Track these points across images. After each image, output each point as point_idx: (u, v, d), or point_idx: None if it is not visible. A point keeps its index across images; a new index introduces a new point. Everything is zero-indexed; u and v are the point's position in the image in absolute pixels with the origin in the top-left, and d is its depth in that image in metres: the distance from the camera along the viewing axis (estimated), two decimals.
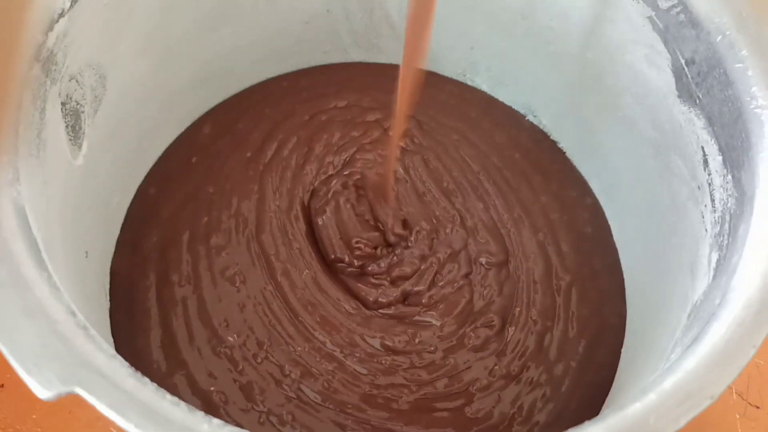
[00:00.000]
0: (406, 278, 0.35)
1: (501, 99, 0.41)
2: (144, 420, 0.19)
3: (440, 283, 0.35)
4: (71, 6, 0.27)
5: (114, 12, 0.29)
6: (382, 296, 0.35)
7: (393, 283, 0.35)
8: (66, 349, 0.20)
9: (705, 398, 0.20)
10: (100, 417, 0.35)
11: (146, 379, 0.20)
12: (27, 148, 0.24)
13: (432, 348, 0.34)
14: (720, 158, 0.28)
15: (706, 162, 0.29)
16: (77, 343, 0.20)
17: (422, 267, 0.35)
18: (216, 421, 0.19)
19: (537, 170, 0.39)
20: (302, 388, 0.32)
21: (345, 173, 0.38)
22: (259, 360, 0.32)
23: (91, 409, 0.34)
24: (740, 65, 0.27)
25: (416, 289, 0.35)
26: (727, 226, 0.26)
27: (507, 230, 0.37)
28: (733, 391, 0.39)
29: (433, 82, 0.41)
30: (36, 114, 0.25)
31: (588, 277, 0.36)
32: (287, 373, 0.32)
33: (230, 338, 0.33)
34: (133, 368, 0.20)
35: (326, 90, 0.41)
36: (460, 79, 0.42)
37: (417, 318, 0.34)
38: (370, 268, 0.35)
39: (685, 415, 0.20)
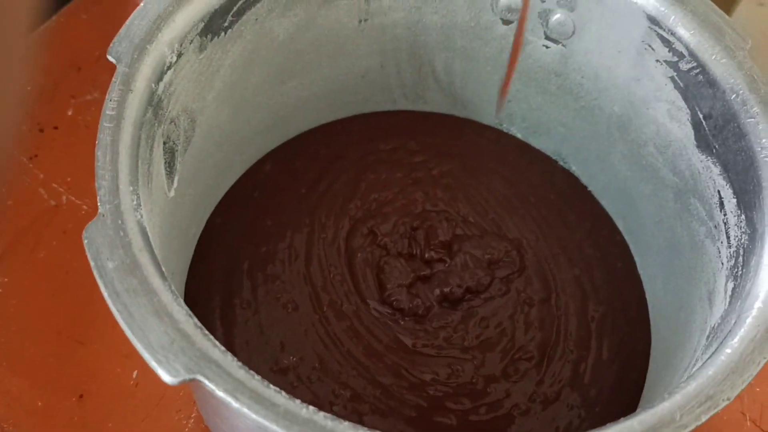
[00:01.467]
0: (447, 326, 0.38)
1: (534, 145, 0.45)
2: (254, 403, 0.23)
3: (483, 325, 0.38)
4: (176, 60, 0.32)
5: (206, 66, 0.34)
6: (423, 339, 0.38)
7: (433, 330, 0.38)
8: (188, 344, 0.24)
9: (723, 400, 0.24)
10: (169, 425, 0.39)
11: (253, 372, 0.24)
12: (143, 179, 0.29)
13: (474, 380, 0.37)
14: (734, 201, 0.32)
15: (722, 204, 0.33)
16: (197, 340, 0.24)
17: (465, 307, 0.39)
18: (311, 408, 0.23)
19: (571, 210, 0.43)
20: (355, 407, 0.35)
21: (384, 211, 0.42)
22: (312, 380, 0.36)
23: (160, 417, 0.38)
24: (752, 120, 0.31)
25: (457, 331, 0.38)
26: (741, 259, 0.30)
27: (549, 266, 0.41)
28: (747, 418, 0.42)
29: (472, 129, 0.46)
30: (148, 151, 0.30)
31: (619, 309, 0.40)
32: (338, 393, 0.36)
33: (285, 360, 0.37)
34: (242, 362, 0.24)
35: (375, 133, 0.45)
36: (497, 127, 0.46)
37: (458, 355, 0.37)
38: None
39: (706, 413, 0.23)
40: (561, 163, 0.44)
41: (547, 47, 0.39)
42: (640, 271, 0.41)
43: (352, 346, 0.37)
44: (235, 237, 0.40)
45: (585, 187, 0.44)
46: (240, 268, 0.39)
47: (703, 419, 0.23)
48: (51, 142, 0.48)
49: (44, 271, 0.43)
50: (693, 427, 0.23)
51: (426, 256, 0.40)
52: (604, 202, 0.43)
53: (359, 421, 0.35)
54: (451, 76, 0.43)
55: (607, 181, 0.42)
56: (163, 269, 0.26)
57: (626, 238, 0.42)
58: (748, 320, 0.26)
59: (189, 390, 0.39)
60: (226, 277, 0.38)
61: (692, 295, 0.34)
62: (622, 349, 0.38)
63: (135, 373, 0.40)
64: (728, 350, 0.25)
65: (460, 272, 0.39)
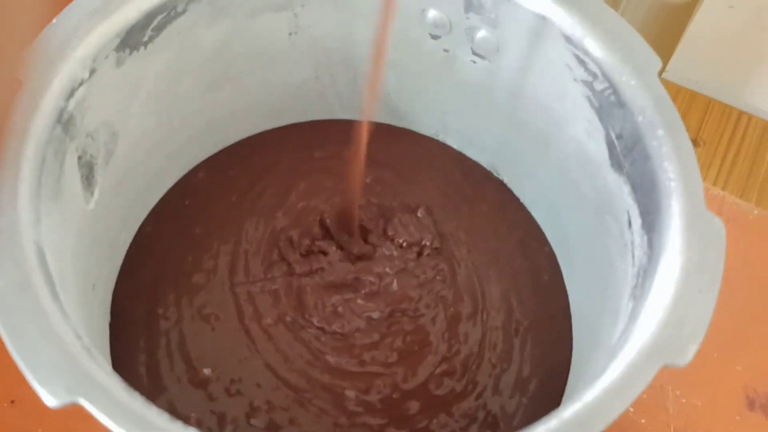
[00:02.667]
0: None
1: (470, 156, 0.46)
2: (134, 426, 0.23)
3: (409, 341, 0.39)
4: (89, 77, 0.32)
5: (126, 80, 0.34)
6: (346, 354, 0.38)
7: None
8: (72, 366, 0.24)
9: (599, 424, 0.24)
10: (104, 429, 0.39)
11: (137, 393, 0.24)
12: (47, 193, 0.29)
13: (394, 395, 0.37)
14: (639, 221, 0.32)
15: (630, 223, 0.33)
16: (81, 362, 0.24)
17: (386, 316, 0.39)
18: (192, 429, 0.24)
19: (502, 221, 0.44)
20: (273, 419, 0.36)
21: (309, 220, 0.42)
22: (231, 393, 0.36)
23: (93, 425, 0.39)
24: (656, 142, 0.31)
25: (380, 348, 0.38)
26: (640, 279, 0.31)
27: (479, 278, 0.41)
28: (672, 429, 0.43)
29: (410, 138, 0.46)
30: (57, 165, 0.30)
31: (543, 322, 0.40)
32: (256, 406, 0.36)
33: (204, 372, 0.37)
34: (127, 384, 0.24)
35: (311, 141, 0.45)
36: (434, 137, 0.46)
37: (380, 371, 0.38)
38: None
39: None
40: (495, 174, 0.45)
41: (474, 62, 0.40)
42: (567, 284, 0.42)
43: (272, 360, 0.37)
44: (163, 246, 0.40)
45: (517, 199, 0.44)
46: (166, 277, 0.39)
47: None
48: None
49: None
50: None
51: (353, 268, 0.40)
52: (535, 214, 0.44)
53: None
54: (386, 88, 0.44)
55: (536, 194, 0.43)
56: (62, 284, 0.27)
57: (555, 250, 0.43)
58: (631, 345, 0.26)
59: None
60: (152, 287, 0.39)
61: (604, 311, 0.35)
62: (543, 363, 0.39)
63: None
64: (609, 375, 0.26)
65: (388, 289, 0.40)
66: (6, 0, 0.18)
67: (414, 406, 0.37)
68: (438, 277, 0.41)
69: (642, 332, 0.27)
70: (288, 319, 0.38)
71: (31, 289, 0.25)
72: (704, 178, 0.90)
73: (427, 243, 0.41)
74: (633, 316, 0.29)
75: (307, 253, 0.40)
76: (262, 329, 0.38)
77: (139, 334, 0.37)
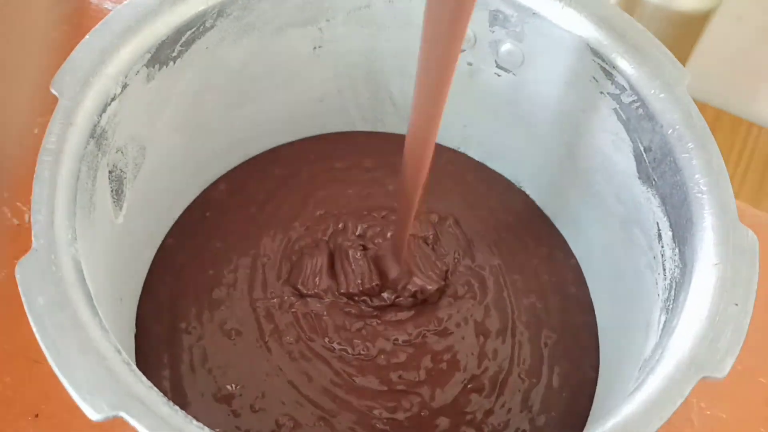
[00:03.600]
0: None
1: (492, 168, 0.46)
2: None
3: (437, 359, 0.38)
4: (122, 91, 0.32)
5: (155, 95, 0.34)
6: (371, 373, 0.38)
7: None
8: (113, 380, 0.24)
9: None
10: None
11: (177, 408, 0.24)
12: (82, 211, 0.29)
13: (423, 413, 0.37)
14: (670, 233, 0.32)
15: (660, 236, 0.33)
16: (122, 377, 0.24)
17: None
18: None
19: (528, 233, 0.43)
20: None
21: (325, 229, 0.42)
22: (255, 409, 0.36)
23: None
24: (686, 155, 0.32)
25: (407, 368, 0.38)
26: (673, 292, 0.31)
27: (508, 293, 0.41)
28: None
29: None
30: (90, 182, 0.30)
31: (570, 335, 0.40)
32: (281, 423, 0.36)
33: (228, 388, 0.37)
34: (167, 398, 0.24)
35: (331, 152, 0.45)
36: (456, 149, 0.46)
37: (407, 389, 0.37)
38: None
39: None
40: (518, 186, 0.45)
41: (498, 75, 0.40)
42: (592, 296, 0.42)
43: (296, 379, 0.37)
44: (185, 260, 0.40)
45: (542, 211, 0.44)
46: (187, 292, 0.39)
47: None
48: (16, 161, 0.49)
49: (4, 291, 0.43)
50: None
51: (373, 285, 0.39)
52: (560, 226, 0.44)
53: None
54: (407, 101, 0.43)
55: (560, 207, 0.43)
56: (98, 297, 0.27)
57: (580, 262, 0.43)
58: (668, 358, 0.26)
59: None
60: (174, 301, 0.39)
61: (632, 325, 0.35)
62: (571, 377, 0.39)
63: None
64: (648, 387, 0.26)
65: (414, 314, 0.39)
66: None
67: (443, 422, 0.36)
68: (468, 294, 0.41)
69: (678, 346, 0.27)
70: (308, 340, 0.38)
71: (71, 305, 0.26)
72: None
73: (459, 257, 0.41)
74: (667, 330, 0.29)
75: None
76: (284, 347, 0.38)
77: (162, 348, 0.37)
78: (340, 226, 0.42)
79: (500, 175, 0.45)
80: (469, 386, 0.38)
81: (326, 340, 0.38)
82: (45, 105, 0.51)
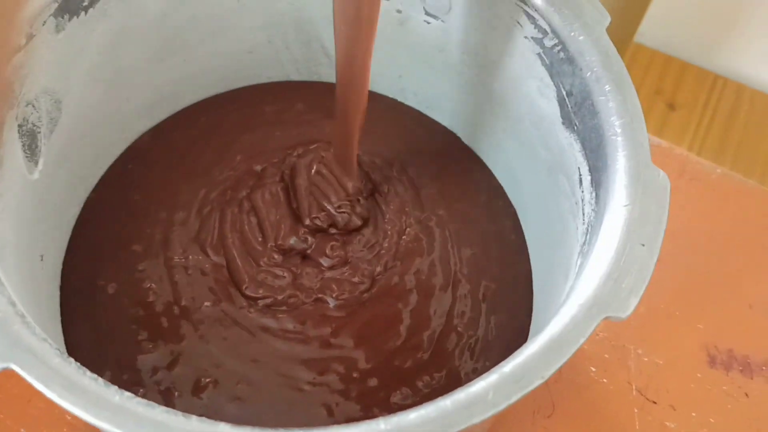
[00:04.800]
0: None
1: (431, 116, 0.45)
2: (65, 391, 0.23)
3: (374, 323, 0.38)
4: (26, 42, 0.31)
5: (67, 47, 0.34)
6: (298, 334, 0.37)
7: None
8: (2, 333, 0.24)
9: (537, 378, 0.24)
10: (56, 406, 0.39)
11: (71, 359, 0.24)
12: None
13: (355, 375, 0.36)
14: (589, 178, 0.32)
15: (581, 181, 0.33)
16: (14, 328, 0.24)
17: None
18: (127, 393, 0.23)
19: (470, 181, 0.43)
20: (216, 394, 0.35)
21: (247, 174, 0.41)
22: (173, 367, 0.35)
23: (47, 398, 0.38)
24: (603, 98, 0.31)
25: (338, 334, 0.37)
26: (588, 236, 0.31)
27: (452, 246, 0.40)
28: (634, 387, 0.43)
29: (372, 97, 0.45)
30: None
31: (508, 285, 0.40)
32: (203, 383, 0.35)
33: (149, 345, 0.36)
34: (60, 349, 0.24)
35: (262, 98, 0.44)
36: (394, 98, 0.46)
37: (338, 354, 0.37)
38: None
39: (518, 392, 0.24)
40: (456, 134, 0.44)
41: (428, 23, 0.39)
42: (528, 244, 0.41)
43: (214, 344, 0.36)
44: (105, 215, 0.39)
45: (480, 159, 0.44)
46: (108, 245, 0.38)
47: (514, 398, 0.24)
48: None
49: None
50: (504, 405, 0.24)
51: (307, 239, 0.39)
52: (497, 175, 0.43)
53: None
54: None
55: (495, 155, 0.43)
56: (4, 253, 0.26)
57: (517, 211, 0.42)
58: (573, 298, 0.26)
59: None
60: (95, 256, 0.38)
61: (557, 271, 0.35)
62: (507, 327, 0.39)
63: None
64: (550, 329, 0.26)
65: (348, 270, 0.39)
66: None
67: (373, 382, 0.36)
68: (414, 245, 0.40)
69: (584, 287, 0.27)
70: (226, 303, 0.37)
71: None
72: (679, 142, 0.90)
73: (409, 208, 0.41)
74: (579, 273, 0.29)
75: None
76: (201, 305, 0.37)
77: (83, 305, 0.37)
78: (259, 168, 0.41)
79: (438, 123, 0.45)
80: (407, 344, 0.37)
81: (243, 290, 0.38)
82: None
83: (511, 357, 0.25)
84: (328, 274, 0.38)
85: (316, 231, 0.39)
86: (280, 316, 0.37)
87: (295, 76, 0.45)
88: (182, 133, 0.42)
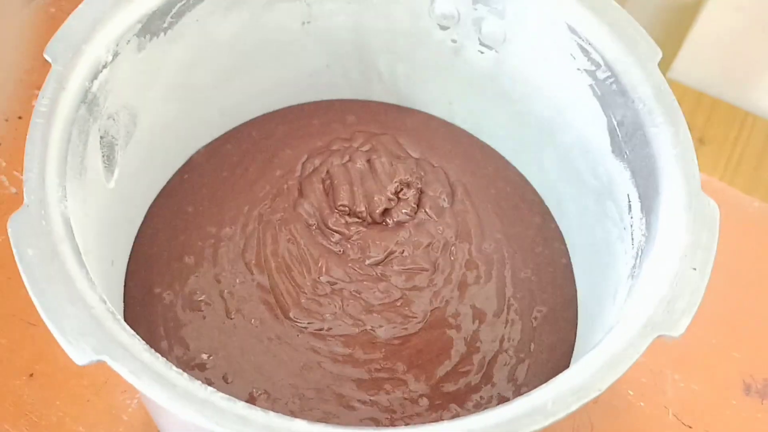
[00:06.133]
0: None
1: (482, 139, 0.46)
2: (155, 384, 0.25)
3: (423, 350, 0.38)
4: (113, 60, 0.33)
5: (146, 65, 0.36)
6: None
7: None
8: (98, 328, 0.25)
9: (593, 390, 0.26)
10: (114, 405, 0.41)
11: (158, 354, 0.26)
12: (73, 172, 0.30)
13: (407, 396, 0.37)
14: (639, 204, 0.34)
15: (630, 207, 0.35)
16: (107, 324, 0.26)
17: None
18: (210, 389, 0.25)
19: (525, 203, 0.44)
20: (269, 407, 0.36)
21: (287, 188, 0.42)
22: (228, 381, 0.37)
23: (106, 398, 0.40)
24: (655, 129, 0.33)
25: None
26: (639, 260, 0.32)
27: (504, 268, 0.41)
28: (670, 412, 0.44)
29: (420, 115, 0.46)
30: (81, 145, 0.31)
31: (559, 308, 0.41)
32: (255, 395, 0.36)
33: (203, 355, 0.37)
34: (148, 345, 0.26)
35: (313, 113, 0.46)
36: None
37: (386, 376, 0.37)
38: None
39: (576, 402, 0.25)
40: (507, 159, 0.46)
41: (481, 52, 0.41)
42: (574, 267, 0.43)
43: (263, 361, 0.37)
44: (163, 225, 0.41)
45: (530, 184, 0.45)
46: (161, 256, 0.40)
47: (573, 408, 0.25)
48: (15, 132, 0.50)
49: (1, 257, 0.45)
50: (563, 414, 0.25)
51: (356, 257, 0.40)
52: (546, 200, 0.44)
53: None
54: (394, 78, 0.45)
55: (541, 181, 0.44)
56: (88, 258, 0.28)
57: (564, 236, 0.44)
58: (628, 318, 0.28)
59: None
60: (150, 266, 0.40)
61: (604, 294, 0.36)
62: (556, 349, 0.39)
63: None
64: (605, 345, 0.27)
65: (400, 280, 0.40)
66: None
67: (423, 402, 0.37)
68: (469, 274, 0.41)
69: (638, 307, 0.28)
70: (274, 322, 0.39)
71: (59, 257, 0.27)
72: (710, 176, 0.91)
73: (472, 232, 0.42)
74: (630, 294, 0.30)
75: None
76: (250, 322, 0.38)
77: (141, 313, 0.38)
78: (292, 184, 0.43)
79: (488, 146, 0.46)
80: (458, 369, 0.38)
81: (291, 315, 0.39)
82: (42, 78, 0.52)
83: (568, 371, 0.27)
84: (378, 304, 0.39)
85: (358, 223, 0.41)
86: (329, 340, 0.38)
87: (349, 96, 0.47)
88: (233, 147, 0.44)
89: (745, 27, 0.86)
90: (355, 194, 0.42)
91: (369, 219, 0.42)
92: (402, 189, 0.42)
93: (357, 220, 0.41)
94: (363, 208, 0.41)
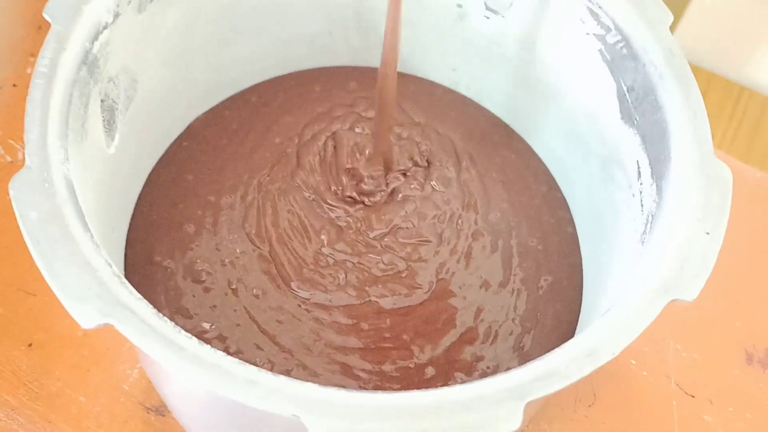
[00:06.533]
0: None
1: (485, 107, 0.46)
2: (164, 348, 0.24)
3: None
4: (113, 20, 0.32)
5: (146, 27, 0.35)
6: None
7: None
8: (104, 291, 0.25)
9: (607, 354, 0.25)
10: (114, 375, 0.40)
11: (165, 318, 0.25)
12: (74, 135, 0.30)
13: (411, 365, 0.37)
14: (649, 170, 0.33)
15: (639, 173, 0.34)
16: (113, 287, 0.25)
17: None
18: (220, 353, 0.24)
19: (530, 171, 0.43)
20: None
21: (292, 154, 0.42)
22: (231, 351, 0.36)
23: (106, 367, 0.40)
24: (667, 93, 0.32)
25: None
26: (649, 225, 0.32)
27: (510, 238, 0.41)
28: (672, 381, 0.44)
29: (423, 82, 0.46)
30: (82, 108, 0.31)
31: (565, 276, 0.40)
32: (258, 365, 0.35)
33: (204, 324, 0.37)
34: (166, 309, 0.25)
35: (315, 78, 0.45)
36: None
37: (392, 345, 0.37)
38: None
39: (589, 366, 0.25)
40: (511, 126, 0.45)
41: (487, 18, 0.40)
42: (579, 237, 0.42)
43: (261, 322, 0.37)
44: (163, 193, 0.41)
45: (535, 153, 0.44)
46: (161, 224, 0.39)
47: (587, 371, 0.25)
48: (9, 100, 0.49)
49: None
50: (577, 377, 0.25)
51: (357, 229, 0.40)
52: (551, 168, 0.44)
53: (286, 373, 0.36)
54: None
55: (546, 149, 0.44)
56: (91, 222, 0.28)
57: (567, 202, 0.43)
58: (640, 282, 0.27)
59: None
60: (148, 234, 0.39)
61: (611, 262, 0.36)
62: (562, 318, 0.39)
63: None
64: (619, 309, 0.27)
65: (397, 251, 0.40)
66: None
67: (429, 371, 0.37)
68: (475, 244, 0.40)
69: (650, 271, 0.28)
70: (276, 292, 0.38)
71: (63, 219, 0.26)
72: None
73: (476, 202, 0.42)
74: (641, 259, 0.30)
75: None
76: (251, 293, 0.38)
77: (141, 282, 0.38)
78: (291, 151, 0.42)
79: (492, 114, 0.45)
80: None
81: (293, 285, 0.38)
82: (36, 45, 0.51)
83: (581, 334, 0.26)
84: (382, 276, 0.39)
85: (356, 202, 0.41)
86: (333, 310, 0.38)
87: (350, 63, 0.46)
88: (232, 114, 0.43)
89: (740, 1, 0.85)
90: (359, 161, 0.41)
91: (375, 198, 0.41)
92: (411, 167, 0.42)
93: (362, 192, 0.41)
94: (372, 187, 0.41)
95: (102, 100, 0.33)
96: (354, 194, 0.41)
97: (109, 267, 0.26)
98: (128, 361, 0.41)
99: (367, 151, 0.41)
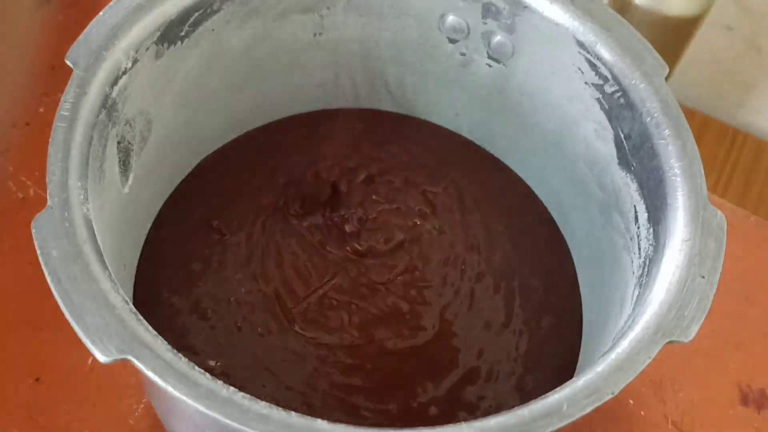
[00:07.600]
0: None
1: (487, 149, 0.47)
2: (179, 383, 0.25)
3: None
4: (132, 66, 0.34)
5: (163, 72, 0.36)
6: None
7: None
8: (122, 327, 0.26)
9: (607, 393, 0.26)
10: (121, 409, 0.41)
11: (180, 355, 0.26)
12: (93, 176, 0.31)
13: (414, 404, 0.37)
14: (646, 215, 0.34)
15: (636, 218, 0.35)
16: (130, 324, 0.26)
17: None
18: (232, 388, 0.25)
19: (530, 214, 0.44)
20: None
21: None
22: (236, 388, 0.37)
23: (113, 402, 0.40)
24: (663, 141, 0.34)
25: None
26: (646, 268, 0.33)
27: (513, 279, 0.41)
28: (669, 421, 0.44)
29: (427, 126, 0.47)
30: (100, 150, 0.32)
31: (567, 318, 0.41)
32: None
33: (210, 361, 0.37)
34: (171, 346, 0.26)
35: (318, 121, 0.46)
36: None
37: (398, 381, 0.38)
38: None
39: (591, 404, 0.26)
40: (513, 169, 0.46)
41: (489, 66, 0.42)
42: (579, 278, 0.43)
43: (276, 369, 0.38)
44: (171, 231, 0.41)
45: (537, 196, 0.46)
46: (172, 263, 0.40)
47: (588, 410, 0.26)
48: (22, 138, 0.51)
49: (9, 262, 0.45)
50: (578, 416, 0.26)
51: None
52: (551, 211, 0.45)
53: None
54: (402, 89, 0.46)
55: (547, 193, 0.45)
56: (106, 260, 0.29)
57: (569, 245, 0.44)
58: (639, 324, 0.28)
59: (140, 377, 0.41)
60: (160, 271, 0.40)
61: (610, 304, 0.37)
62: (563, 359, 0.40)
63: (90, 359, 0.42)
64: (618, 350, 0.28)
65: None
66: None
67: (433, 410, 0.37)
68: (478, 286, 0.41)
69: (648, 314, 0.29)
70: (280, 333, 0.39)
71: (83, 259, 0.27)
72: None
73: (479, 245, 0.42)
74: (639, 302, 0.31)
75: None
76: (256, 331, 0.39)
77: (148, 318, 0.38)
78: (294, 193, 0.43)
79: (493, 156, 0.46)
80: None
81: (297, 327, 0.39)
82: (49, 84, 0.53)
83: (581, 375, 0.27)
84: (386, 318, 0.40)
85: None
86: (337, 351, 0.38)
87: (356, 106, 0.48)
88: (240, 155, 0.44)
89: (736, 46, 0.88)
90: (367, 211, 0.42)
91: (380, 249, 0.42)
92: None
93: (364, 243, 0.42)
94: (381, 242, 0.42)
95: (119, 142, 0.34)
96: (356, 246, 0.42)
97: (126, 304, 0.27)
98: (134, 396, 0.42)
99: (373, 196, 0.43)
